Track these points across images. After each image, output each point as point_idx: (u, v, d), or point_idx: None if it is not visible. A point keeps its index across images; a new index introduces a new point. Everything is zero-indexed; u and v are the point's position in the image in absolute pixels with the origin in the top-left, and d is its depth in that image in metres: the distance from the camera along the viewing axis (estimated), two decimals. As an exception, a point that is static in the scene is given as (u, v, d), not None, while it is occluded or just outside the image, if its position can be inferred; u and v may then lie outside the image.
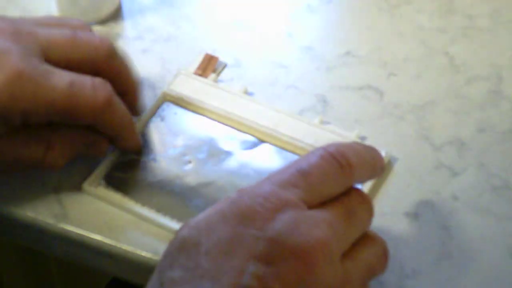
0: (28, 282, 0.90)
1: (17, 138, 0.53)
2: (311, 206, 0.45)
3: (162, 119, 0.60)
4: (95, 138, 0.56)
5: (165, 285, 0.43)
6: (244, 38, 0.66)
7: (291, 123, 0.59)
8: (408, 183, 0.57)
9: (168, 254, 0.44)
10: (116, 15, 0.68)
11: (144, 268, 0.54)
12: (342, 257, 0.44)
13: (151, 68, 0.63)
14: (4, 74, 0.51)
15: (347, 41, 0.66)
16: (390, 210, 0.55)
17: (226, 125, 0.59)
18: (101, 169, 0.57)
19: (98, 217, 0.55)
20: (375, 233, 0.48)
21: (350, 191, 0.47)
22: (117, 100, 0.54)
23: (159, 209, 0.55)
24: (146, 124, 0.59)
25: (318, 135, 0.58)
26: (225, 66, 0.64)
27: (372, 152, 0.49)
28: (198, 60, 0.63)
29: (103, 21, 0.67)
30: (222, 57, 0.64)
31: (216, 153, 0.58)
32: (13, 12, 0.67)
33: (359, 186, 0.52)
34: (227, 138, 0.58)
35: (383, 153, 0.57)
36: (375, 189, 0.56)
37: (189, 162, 0.57)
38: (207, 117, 0.60)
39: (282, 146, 0.58)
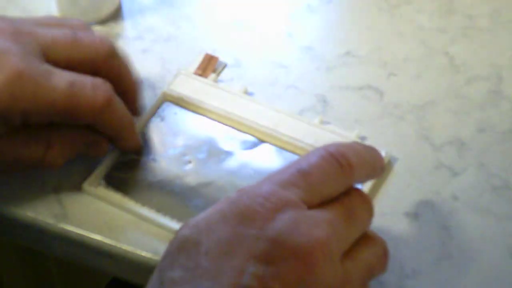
0: (28, 282, 0.90)
1: (17, 137, 0.53)
2: (311, 206, 0.45)
3: (162, 119, 0.60)
4: (95, 138, 0.56)
5: (165, 285, 0.43)
6: (244, 38, 0.66)
7: (291, 123, 0.59)
8: (408, 183, 0.57)
9: (168, 254, 0.44)
10: (116, 15, 0.68)
11: (144, 268, 0.54)
12: (342, 257, 0.44)
13: (151, 68, 0.63)
14: (4, 74, 0.51)
15: (347, 41, 0.66)
16: (390, 210, 0.55)
17: (226, 125, 0.59)
18: (101, 169, 0.57)
19: (98, 217, 0.55)
20: (375, 233, 0.48)
21: (350, 191, 0.47)
22: (117, 100, 0.54)
23: (159, 209, 0.55)
24: (146, 124, 0.59)
25: (318, 135, 0.58)
26: (225, 66, 0.64)
27: (372, 152, 0.49)
28: (198, 60, 0.63)
29: (103, 21, 0.67)
30: (222, 57, 0.64)
31: (216, 153, 0.58)
32: (13, 12, 0.67)
33: (359, 186, 0.52)
34: (227, 138, 0.58)
35: (383, 153, 0.57)
36: (375, 189, 0.56)
37: (189, 162, 0.57)
38: (207, 117, 0.60)
39: (282, 146, 0.58)
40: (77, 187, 0.56)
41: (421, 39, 0.66)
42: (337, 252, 0.44)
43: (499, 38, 0.66)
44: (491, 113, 0.61)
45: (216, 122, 0.59)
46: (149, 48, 0.65)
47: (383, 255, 0.47)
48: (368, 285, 0.47)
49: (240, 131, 0.59)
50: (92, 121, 0.54)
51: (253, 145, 0.58)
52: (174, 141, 0.59)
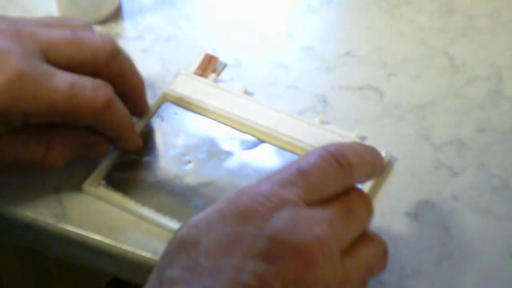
0: (28, 282, 0.90)
1: (17, 138, 0.53)
2: (310, 205, 0.45)
3: (162, 119, 0.60)
4: (95, 139, 0.56)
5: (164, 284, 0.43)
6: (244, 38, 0.66)
7: (291, 123, 0.59)
8: (408, 183, 0.57)
9: (167, 254, 0.44)
10: (116, 15, 0.68)
11: (144, 268, 0.54)
12: (341, 256, 0.44)
13: (151, 68, 0.63)
14: (4, 74, 0.51)
15: (347, 41, 0.66)
16: (390, 210, 0.55)
17: (226, 125, 0.59)
18: (101, 169, 0.57)
19: (98, 217, 0.55)
20: (375, 232, 0.48)
21: (350, 191, 0.47)
22: (117, 101, 0.54)
23: (159, 209, 0.55)
24: (146, 124, 0.59)
25: (318, 135, 0.58)
26: (225, 66, 0.64)
27: (372, 152, 0.49)
28: (198, 60, 0.63)
29: (103, 21, 0.67)
30: (222, 57, 0.64)
31: (216, 153, 0.58)
32: (13, 12, 0.67)
33: (359, 186, 0.51)
34: (227, 138, 0.58)
35: (383, 153, 0.57)
36: (375, 189, 0.56)
37: (189, 162, 0.57)
38: (207, 117, 0.60)
39: (282, 146, 0.58)
40: (77, 187, 0.56)
41: (421, 39, 0.66)
42: (337, 250, 0.44)
43: (499, 38, 0.66)
44: (491, 113, 0.61)
45: (216, 122, 0.59)
46: (149, 48, 0.65)
47: (383, 254, 0.47)
48: (368, 284, 0.47)
49: (240, 131, 0.59)
50: (92, 122, 0.54)
51: (253, 145, 0.58)
52: (174, 141, 0.59)
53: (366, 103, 0.61)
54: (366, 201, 0.47)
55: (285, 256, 0.42)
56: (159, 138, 0.59)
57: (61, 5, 0.67)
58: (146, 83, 0.59)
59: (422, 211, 0.55)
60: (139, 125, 0.59)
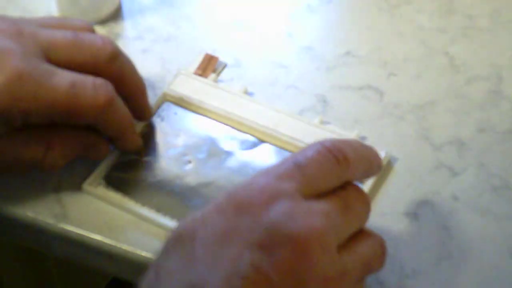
0: (28, 282, 0.90)
1: (17, 138, 0.53)
2: (307, 198, 0.45)
3: (162, 119, 0.60)
4: (95, 140, 0.56)
5: (161, 276, 0.43)
6: (244, 38, 0.66)
7: (291, 123, 0.59)
8: (408, 183, 0.57)
9: (164, 248, 0.44)
10: (116, 15, 0.68)
11: (144, 268, 0.53)
12: (339, 249, 0.44)
13: (151, 68, 0.63)
14: (4, 74, 0.51)
15: (347, 41, 0.66)
16: (390, 210, 0.55)
17: (226, 125, 0.59)
18: (101, 169, 0.57)
19: (98, 217, 0.55)
20: (373, 231, 0.48)
21: (347, 186, 0.47)
22: (118, 101, 0.54)
23: (159, 209, 0.55)
24: (146, 124, 0.59)
25: (318, 135, 0.58)
26: (225, 66, 0.64)
27: (369, 149, 0.49)
28: (198, 60, 0.63)
29: (103, 21, 0.67)
30: (222, 57, 0.64)
31: (216, 153, 0.58)
32: (13, 12, 0.67)
33: (359, 185, 0.51)
34: (227, 138, 0.58)
35: (383, 153, 0.57)
36: (375, 189, 0.56)
37: (189, 162, 0.57)
38: (207, 117, 0.60)
39: (282, 146, 0.58)
40: (77, 187, 0.56)
41: (421, 39, 0.66)
42: (334, 243, 0.44)
43: (499, 38, 0.66)
44: (491, 113, 0.61)
45: (216, 122, 0.59)
46: (149, 48, 0.65)
47: (381, 252, 0.47)
48: (365, 281, 0.47)
49: (240, 131, 0.59)
50: (93, 121, 0.54)
51: (253, 145, 0.58)
52: (174, 141, 0.59)
53: (366, 103, 0.61)
54: (363, 197, 0.47)
55: (281, 247, 0.42)
56: (159, 138, 0.59)
57: (61, 5, 0.67)
58: (146, 83, 0.59)
59: (422, 211, 0.55)
60: (139, 125, 0.59)
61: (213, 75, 0.62)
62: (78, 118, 0.53)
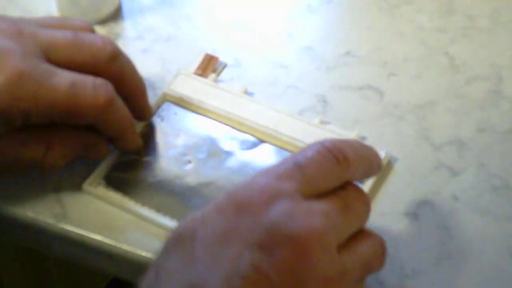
0: (28, 282, 0.90)
1: (17, 138, 0.53)
2: (307, 198, 0.45)
3: (162, 119, 0.60)
4: (95, 140, 0.56)
5: (160, 276, 0.43)
6: (244, 38, 0.66)
7: (291, 123, 0.59)
8: (408, 183, 0.57)
9: (164, 248, 0.44)
10: (116, 15, 0.68)
11: (144, 268, 0.53)
12: (339, 249, 0.44)
13: (151, 68, 0.63)
14: (4, 74, 0.51)
15: (347, 41, 0.66)
16: (390, 210, 0.55)
17: (226, 125, 0.59)
18: (101, 169, 0.57)
19: (98, 217, 0.55)
20: (373, 231, 0.48)
21: (347, 186, 0.47)
22: (118, 101, 0.54)
23: (159, 209, 0.55)
24: (146, 124, 0.59)
25: (318, 135, 0.58)
26: (225, 66, 0.64)
27: (369, 149, 0.49)
28: (198, 60, 0.63)
29: (103, 21, 0.67)
30: (222, 57, 0.64)
31: (216, 153, 0.58)
32: (13, 12, 0.67)
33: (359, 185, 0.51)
34: (227, 138, 0.58)
35: (383, 153, 0.57)
36: (375, 189, 0.56)
37: (189, 162, 0.57)
38: (207, 117, 0.60)
39: (282, 146, 0.58)
40: (77, 187, 0.57)
41: (421, 39, 0.66)
42: (333, 242, 0.44)
43: (499, 38, 0.66)
44: (491, 113, 0.61)
45: (216, 122, 0.59)
46: (149, 48, 0.65)
47: (381, 252, 0.47)
48: (365, 281, 0.47)
49: (240, 131, 0.59)
50: (93, 121, 0.54)
51: (253, 145, 0.58)
52: (174, 141, 0.59)
53: (366, 103, 0.61)
54: (363, 197, 0.47)
55: (281, 247, 0.42)
56: (159, 138, 0.59)
57: (61, 5, 0.67)
58: (146, 83, 0.59)
59: (422, 211, 0.55)
60: (139, 125, 0.59)
61: (213, 75, 0.62)
62: (78, 118, 0.53)
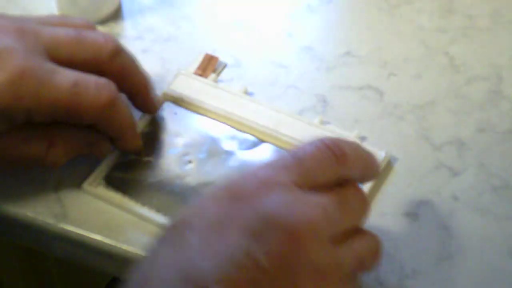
0: (28, 282, 0.90)
1: (19, 135, 0.53)
2: (304, 191, 0.45)
3: (162, 119, 0.60)
4: (97, 137, 0.55)
5: (153, 263, 0.43)
6: (244, 38, 0.66)
7: (291, 123, 0.59)
8: (408, 183, 0.57)
9: (159, 237, 0.45)
10: (116, 15, 0.68)
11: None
12: (333, 242, 0.44)
13: (151, 68, 0.63)
14: (7, 72, 0.51)
15: (347, 41, 0.66)
16: (390, 210, 0.55)
17: (226, 125, 0.59)
18: (101, 169, 0.57)
19: (98, 217, 0.55)
20: (371, 231, 0.48)
21: (346, 184, 0.47)
22: (120, 101, 0.54)
23: (159, 209, 0.55)
24: (146, 124, 0.59)
25: (318, 135, 0.58)
26: (225, 66, 0.64)
27: (368, 153, 0.49)
28: (198, 60, 0.63)
29: (103, 21, 0.67)
30: (222, 57, 0.64)
31: (216, 153, 0.58)
32: (13, 12, 0.67)
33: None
34: (228, 138, 0.59)
35: (383, 153, 0.57)
36: (375, 189, 0.56)
37: (190, 162, 0.57)
38: (207, 117, 0.60)
39: (282, 146, 0.58)
40: (77, 187, 0.57)
41: (421, 39, 0.66)
42: (328, 235, 0.44)
43: (499, 38, 0.66)
44: (491, 113, 0.61)
45: (216, 122, 0.59)
46: (149, 48, 0.65)
47: (376, 250, 0.48)
48: (358, 280, 0.47)
49: (240, 131, 0.59)
50: (95, 121, 0.54)
51: (253, 145, 0.58)
52: (174, 141, 0.59)
53: (366, 103, 0.61)
54: (361, 195, 0.47)
55: (275, 235, 0.42)
56: (159, 138, 0.59)
57: (61, 5, 0.67)
58: (146, 83, 0.59)
59: (422, 211, 0.55)
60: (139, 124, 0.59)
61: (213, 75, 0.62)
62: (80, 117, 0.53)
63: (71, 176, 0.57)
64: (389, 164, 0.58)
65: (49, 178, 0.57)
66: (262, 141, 0.58)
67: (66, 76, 0.52)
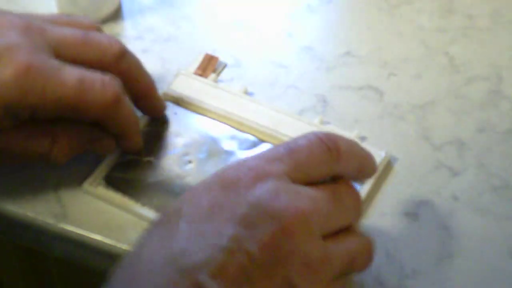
0: (28, 282, 0.90)
1: (23, 131, 0.53)
2: (295, 183, 0.45)
3: (162, 119, 0.60)
4: (101, 134, 0.55)
5: (142, 249, 0.43)
6: (244, 38, 0.66)
7: (291, 123, 0.59)
8: (408, 183, 0.57)
9: (151, 225, 0.45)
10: (116, 15, 0.68)
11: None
12: (324, 237, 0.44)
13: (151, 68, 0.63)
14: (13, 68, 0.51)
15: (347, 41, 0.66)
16: (390, 210, 0.55)
17: (226, 125, 0.59)
18: (101, 169, 0.57)
19: (98, 217, 0.55)
20: (364, 232, 0.48)
21: (339, 181, 0.47)
22: (125, 98, 0.54)
23: (159, 209, 0.55)
24: (146, 124, 0.59)
25: (318, 135, 0.58)
26: (225, 66, 0.64)
27: (365, 151, 0.49)
28: (198, 60, 0.63)
29: (103, 21, 0.67)
30: (222, 57, 0.64)
31: (216, 153, 0.58)
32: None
33: (357, 187, 0.51)
34: (228, 138, 0.58)
35: (383, 153, 0.57)
36: (375, 189, 0.56)
37: (190, 162, 0.57)
38: (207, 117, 0.60)
39: (282, 146, 0.58)
40: (77, 187, 0.56)
41: (421, 39, 0.66)
42: (318, 228, 0.44)
43: (499, 38, 0.66)
44: (491, 113, 0.61)
45: (216, 122, 0.59)
46: (149, 48, 0.65)
47: (368, 252, 0.48)
48: (345, 281, 0.47)
49: (240, 131, 0.59)
50: (100, 117, 0.54)
51: (253, 145, 0.58)
52: (175, 141, 0.59)
53: (366, 103, 0.61)
54: (354, 194, 0.48)
55: (264, 223, 0.42)
56: (159, 138, 0.59)
57: (61, 5, 0.67)
58: (147, 83, 0.59)
59: (422, 211, 0.55)
60: (139, 124, 0.59)
61: (213, 75, 0.62)
62: (85, 114, 0.53)
63: (71, 176, 0.57)
64: (389, 164, 0.58)
65: (49, 178, 0.57)
66: (262, 141, 0.58)
67: (72, 73, 0.52)
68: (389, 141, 0.59)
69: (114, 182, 0.56)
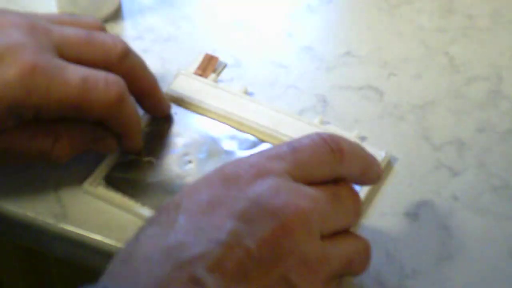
0: (28, 282, 0.90)
1: (26, 130, 0.53)
2: (296, 181, 0.45)
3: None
4: (104, 133, 0.55)
5: (140, 240, 0.43)
6: (244, 38, 0.66)
7: (291, 123, 0.59)
8: (408, 183, 0.57)
9: (149, 217, 0.45)
10: (116, 15, 0.68)
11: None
12: (322, 238, 0.44)
13: (151, 68, 0.63)
14: (17, 67, 0.51)
15: (347, 41, 0.66)
16: (390, 210, 0.55)
17: (226, 125, 0.59)
18: (102, 169, 0.57)
19: (98, 217, 0.55)
20: (362, 235, 0.48)
21: (340, 183, 0.47)
22: (129, 97, 0.54)
23: (159, 209, 0.55)
24: (146, 124, 0.59)
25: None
26: (225, 66, 0.64)
27: (369, 155, 0.49)
28: (198, 60, 0.63)
29: (103, 21, 0.67)
30: (222, 57, 0.64)
31: (216, 153, 0.58)
32: (13, 12, 0.67)
33: (357, 188, 0.51)
34: (228, 138, 0.58)
35: (383, 153, 0.57)
36: (375, 189, 0.56)
37: (190, 162, 0.57)
38: (207, 117, 0.60)
39: (282, 146, 0.58)
40: (77, 187, 0.56)
41: (421, 39, 0.66)
42: (317, 227, 0.44)
43: (499, 38, 0.66)
44: (491, 113, 0.61)
45: (216, 122, 0.59)
46: (149, 48, 0.65)
47: (365, 255, 0.48)
48: (340, 283, 0.47)
49: (240, 131, 0.59)
50: (103, 117, 0.54)
51: (253, 145, 0.58)
52: (175, 141, 0.59)
53: (366, 103, 0.61)
54: (355, 196, 0.48)
55: (263, 220, 0.42)
56: (160, 138, 0.59)
57: (61, 5, 0.67)
58: (147, 83, 0.59)
59: (422, 211, 0.55)
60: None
61: (213, 75, 0.62)
62: (89, 113, 0.53)
63: (71, 176, 0.57)
64: (389, 164, 0.58)
65: (49, 177, 0.57)
66: (262, 141, 0.58)
67: (76, 72, 0.52)
68: (389, 141, 0.59)
69: (114, 182, 0.56)
